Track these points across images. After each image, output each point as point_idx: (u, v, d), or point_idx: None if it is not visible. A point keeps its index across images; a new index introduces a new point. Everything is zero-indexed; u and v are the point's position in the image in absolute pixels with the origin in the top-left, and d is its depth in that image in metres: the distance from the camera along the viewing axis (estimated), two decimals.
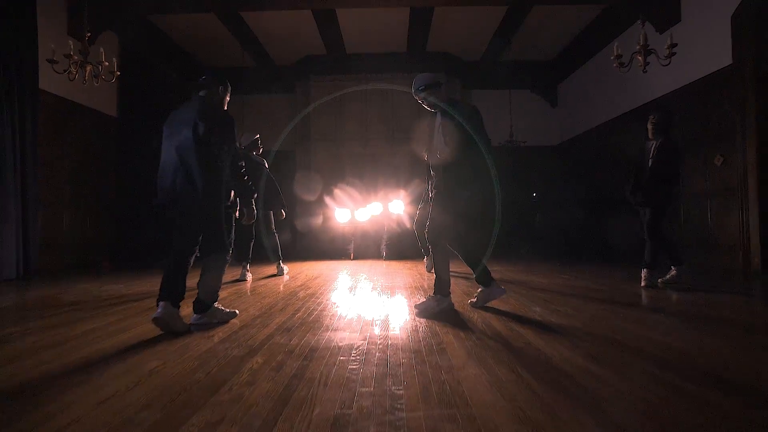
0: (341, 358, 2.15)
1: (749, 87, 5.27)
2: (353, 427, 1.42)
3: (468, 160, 3.20)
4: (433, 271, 4.10)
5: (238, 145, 3.09)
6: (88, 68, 4.88)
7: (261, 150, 5.53)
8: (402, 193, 8.50)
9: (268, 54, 9.47)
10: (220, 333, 2.68)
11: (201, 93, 2.97)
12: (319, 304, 3.68)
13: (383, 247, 8.49)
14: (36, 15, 5.76)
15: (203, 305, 2.91)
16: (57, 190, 6.41)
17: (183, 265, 2.79)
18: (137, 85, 7.77)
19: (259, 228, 5.46)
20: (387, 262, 7.68)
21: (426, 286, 4.62)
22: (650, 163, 4.26)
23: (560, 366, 2.00)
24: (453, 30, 8.56)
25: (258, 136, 5.46)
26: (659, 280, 4.33)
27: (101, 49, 5.13)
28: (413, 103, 3.53)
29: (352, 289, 4.62)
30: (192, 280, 2.88)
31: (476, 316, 3.09)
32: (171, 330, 2.63)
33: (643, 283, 4.29)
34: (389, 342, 2.45)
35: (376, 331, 2.72)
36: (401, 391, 1.71)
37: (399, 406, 1.58)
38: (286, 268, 5.94)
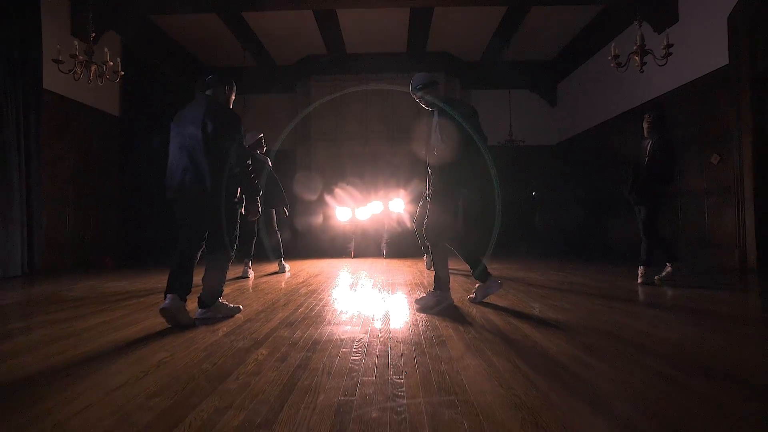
0: (343, 350, 2.22)
1: (745, 87, 5.33)
2: (356, 412, 1.48)
3: (466, 159, 3.26)
4: (432, 268, 4.16)
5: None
6: (93, 68, 4.94)
7: (264, 149, 5.62)
8: (402, 192, 8.56)
9: (268, 54, 9.53)
10: (224, 327, 2.74)
11: (207, 92, 3.03)
12: (320, 300, 3.74)
13: (383, 245, 8.56)
14: (40, 15, 5.83)
15: (206, 302, 2.98)
16: (59, 189, 6.47)
17: (189, 260, 2.86)
18: (139, 85, 7.84)
19: (260, 226, 5.54)
20: (387, 260, 7.75)
21: (426, 282, 4.68)
22: (645, 162, 4.32)
23: (556, 357, 2.06)
24: (453, 30, 8.62)
25: (262, 135, 5.55)
26: (656, 277, 4.39)
27: (105, 49, 5.20)
28: (413, 103, 3.58)
29: (353, 286, 4.68)
30: (198, 276, 2.94)
31: (475, 311, 3.16)
32: (177, 322, 2.70)
33: (639, 280, 4.36)
34: (390, 335, 2.51)
35: (377, 325, 2.78)
36: (402, 380, 1.78)
37: (400, 393, 1.64)
38: (287, 266, 6.00)
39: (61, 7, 6.43)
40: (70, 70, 4.88)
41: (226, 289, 3.72)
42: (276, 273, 5.78)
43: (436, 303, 3.28)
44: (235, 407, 1.53)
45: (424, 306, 3.27)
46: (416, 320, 2.91)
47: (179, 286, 2.75)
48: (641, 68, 4.91)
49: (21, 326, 2.83)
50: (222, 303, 3.06)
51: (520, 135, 9.52)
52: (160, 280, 4.87)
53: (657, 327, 2.71)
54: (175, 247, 2.90)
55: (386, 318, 3.00)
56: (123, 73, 5.23)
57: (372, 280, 5.03)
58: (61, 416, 1.46)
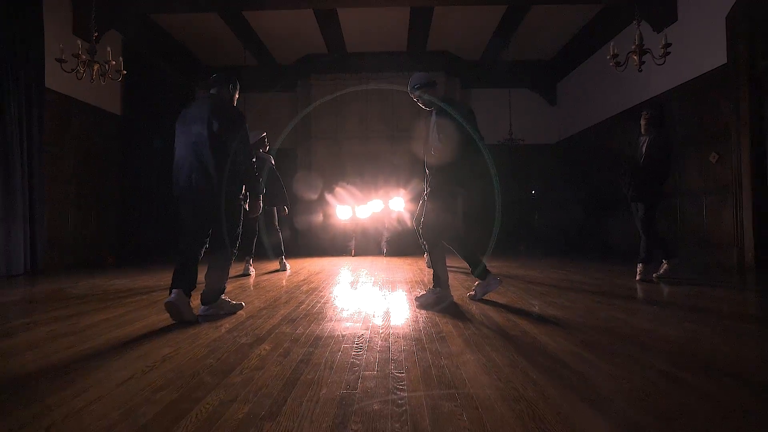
0: (345, 345, 2.25)
1: (743, 86, 5.36)
2: (358, 405, 1.52)
3: (464, 159, 3.28)
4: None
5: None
6: (96, 67, 4.96)
7: (267, 147, 5.66)
8: (402, 190, 8.60)
9: (269, 53, 9.56)
10: (227, 323, 2.78)
11: (212, 91, 3.07)
12: (321, 297, 3.78)
13: (384, 243, 8.60)
14: (42, 14, 5.86)
15: (209, 299, 3.02)
16: (61, 187, 6.49)
17: (194, 257, 2.90)
18: (140, 84, 7.87)
19: (261, 224, 5.57)
20: (388, 259, 7.78)
21: (426, 280, 4.72)
22: (642, 159, 4.35)
23: (554, 353, 2.10)
24: (453, 29, 8.65)
25: (265, 134, 5.59)
26: (653, 275, 4.43)
27: (108, 48, 5.22)
28: (413, 102, 3.61)
29: (353, 283, 4.72)
30: (201, 274, 2.97)
31: (475, 308, 3.19)
32: (181, 317, 2.74)
33: (637, 277, 4.39)
34: (391, 331, 2.55)
35: (378, 321, 2.82)
36: (403, 374, 1.81)
37: (401, 387, 1.68)
38: (288, 264, 6.04)
39: (62, 6, 6.45)
40: (72, 69, 4.91)
41: (228, 287, 3.75)
42: (277, 271, 5.81)
43: (436, 300, 3.31)
44: (239, 400, 1.56)
45: (424, 303, 3.31)
46: (416, 317, 2.94)
47: (184, 282, 2.79)
48: (639, 67, 4.94)
49: (26, 323, 2.87)
50: (224, 300, 3.09)
51: (520, 134, 9.55)
52: (162, 278, 4.91)
53: (655, 324, 2.74)
54: (179, 245, 2.94)
55: (387, 315, 3.03)
56: (125, 72, 5.25)
57: (372, 278, 5.07)
58: (71, 408, 1.50)
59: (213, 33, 8.48)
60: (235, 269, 5.31)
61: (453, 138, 3.25)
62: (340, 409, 1.49)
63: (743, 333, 2.54)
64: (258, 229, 5.52)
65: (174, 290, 2.74)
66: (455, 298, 3.50)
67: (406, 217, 8.26)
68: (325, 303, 3.50)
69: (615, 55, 5.03)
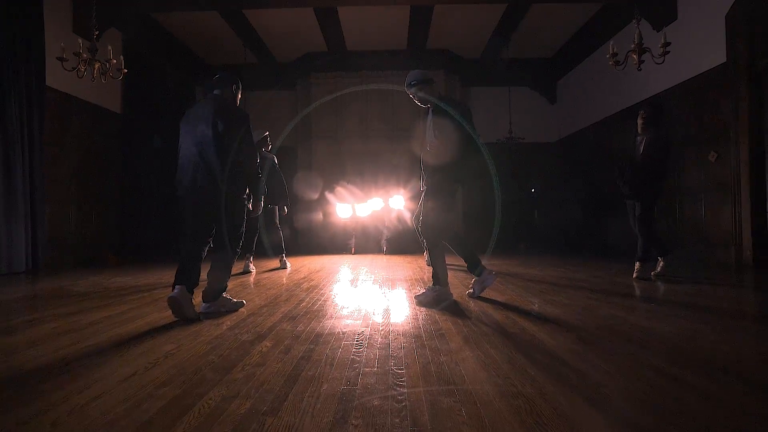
0: (345, 342, 2.28)
1: (743, 85, 5.37)
2: (358, 401, 1.54)
3: (460, 157, 3.28)
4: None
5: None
6: (96, 66, 4.98)
7: (270, 146, 5.68)
8: (402, 189, 8.62)
9: (269, 51, 9.57)
10: (228, 321, 2.80)
11: (215, 92, 3.09)
12: (322, 295, 3.80)
13: (384, 241, 8.62)
14: (42, 12, 5.86)
15: (210, 297, 3.04)
16: (62, 186, 6.51)
17: (197, 255, 2.93)
18: (140, 82, 7.87)
19: (262, 222, 5.59)
20: (387, 257, 7.81)
21: (426, 278, 4.74)
22: (640, 158, 4.37)
23: (553, 350, 2.12)
24: (453, 27, 8.65)
25: (267, 133, 5.61)
26: (651, 273, 4.45)
27: (109, 47, 5.23)
28: (413, 101, 3.62)
29: (353, 281, 4.74)
30: (203, 272, 3.00)
31: (473, 305, 3.21)
32: (183, 313, 2.76)
33: (635, 275, 4.41)
34: (390, 329, 2.57)
35: (378, 319, 2.84)
36: (402, 371, 1.84)
37: (400, 383, 1.70)
38: (288, 262, 6.06)
39: (62, 4, 6.46)
40: (73, 68, 4.92)
41: (229, 285, 3.77)
42: (277, 269, 5.84)
43: (435, 298, 3.34)
44: (241, 396, 1.59)
45: (423, 301, 3.33)
46: (416, 314, 2.97)
47: (187, 279, 2.81)
48: (639, 66, 4.95)
49: (28, 320, 2.89)
50: (226, 298, 3.11)
51: (520, 132, 9.56)
52: (163, 276, 4.94)
53: (654, 322, 2.77)
54: (182, 243, 2.97)
55: (386, 312, 3.05)
56: (126, 70, 5.26)
57: (372, 276, 5.09)
58: (75, 404, 1.52)
59: (213, 31, 8.49)
60: (236, 267, 5.31)
61: (450, 136, 3.26)
62: (340, 404, 1.51)
63: (742, 331, 2.57)
64: (258, 228, 5.53)
65: (177, 286, 2.77)
66: (454, 296, 3.53)
67: (406, 216, 8.28)
68: (325, 301, 3.52)
69: (614, 54, 5.04)
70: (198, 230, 2.97)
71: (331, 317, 2.89)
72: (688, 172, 6.20)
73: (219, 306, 3.05)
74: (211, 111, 2.93)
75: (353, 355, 2.06)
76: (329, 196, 9.35)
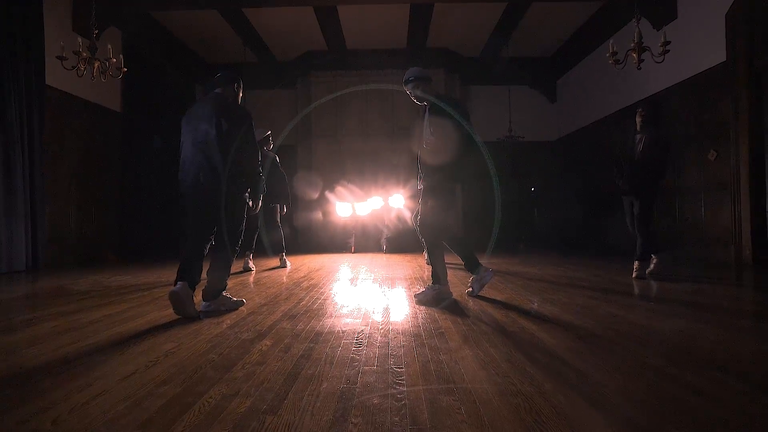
0: (345, 341, 2.28)
1: (742, 84, 5.38)
2: (358, 399, 1.54)
3: (458, 155, 3.28)
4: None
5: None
6: (96, 64, 4.98)
7: (272, 145, 5.69)
8: (402, 188, 8.62)
9: (269, 50, 9.56)
10: (228, 319, 2.81)
11: (217, 90, 3.09)
12: (321, 293, 3.81)
13: (383, 240, 8.62)
14: (42, 11, 5.86)
15: (210, 295, 3.05)
16: (62, 185, 6.51)
17: (199, 253, 2.94)
18: (140, 81, 7.87)
19: (262, 221, 5.60)
20: (387, 255, 7.81)
21: (425, 277, 4.74)
22: (639, 156, 4.37)
23: (552, 348, 2.12)
24: (453, 26, 8.65)
25: (270, 132, 5.62)
26: (645, 271, 4.45)
27: (109, 46, 5.23)
28: (412, 100, 3.62)
29: (353, 280, 4.75)
30: (205, 270, 3.01)
31: (473, 304, 3.22)
32: (184, 309, 2.77)
33: (634, 274, 4.42)
34: (390, 327, 2.58)
35: (378, 318, 2.84)
36: (402, 369, 1.84)
37: (400, 381, 1.71)
38: (288, 260, 6.07)
39: (62, 3, 6.45)
40: (73, 67, 4.92)
41: (229, 283, 3.77)
42: (277, 268, 5.84)
43: (435, 297, 3.34)
44: (241, 394, 1.59)
45: (423, 300, 3.33)
46: (416, 313, 2.97)
47: (189, 276, 2.82)
48: (638, 65, 4.95)
49: (28, 319, 2.90)
50: (226, 296, 3.12)
51: (520, 131, 9.56)
52: (163, 275, 4.94)
53: (653, 320, 2.77)
54: (184, 240, 2.97)
55: (386, 311, 3.06)
56: (126, 69, 5.26)
57: (372, 275, 5.10)
58: (76, 402, 1.52)
59: (213, 30, 8.48)
60: (236, 266, 5.33)
61: (448, 135, 3.25)
62: (340, 403, 1.51)
63: (741, 329, 2.57)
64: (258, 226, 5.54)
65: (179, 282, 2.78)
66: (454, 294, 3.53)
67: (406, 215, 8.29)
68: (325, 299, 3.52)
69: (614, 53, 5.04)
70: (200, 228, 2.97)
71: (331, 316, 2.89)
72: (688, 171, 6.21)
73: (219, 304, 3.06)
74: (214, 110, 2.94)
75: (353, 353, 2.07)
76: (329, 194, 9.35)
